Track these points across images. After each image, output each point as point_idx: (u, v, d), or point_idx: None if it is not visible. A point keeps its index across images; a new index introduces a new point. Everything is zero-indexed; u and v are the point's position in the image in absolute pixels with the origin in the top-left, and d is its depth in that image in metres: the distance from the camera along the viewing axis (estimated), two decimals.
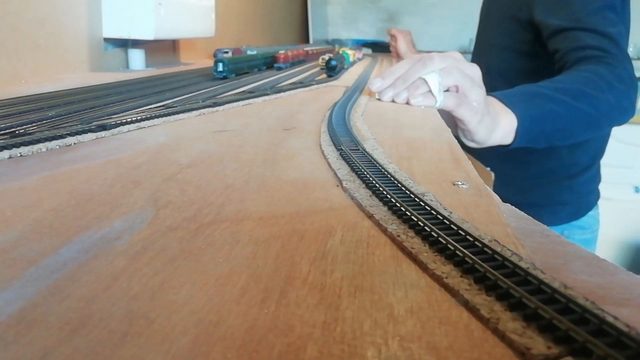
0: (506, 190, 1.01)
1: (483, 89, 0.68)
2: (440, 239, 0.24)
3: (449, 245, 0.23)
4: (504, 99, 0.72)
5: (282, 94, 0.78)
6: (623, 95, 0.79)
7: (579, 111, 0.75)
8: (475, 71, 0.68)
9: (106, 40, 1.04)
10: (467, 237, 0.24)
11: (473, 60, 0.82)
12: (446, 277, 0.21)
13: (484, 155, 1.02)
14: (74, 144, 0.42)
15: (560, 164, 1.01)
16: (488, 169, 0.89)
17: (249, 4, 2.03)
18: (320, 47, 1.93)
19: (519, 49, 1.00)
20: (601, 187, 1.11)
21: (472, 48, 1.27)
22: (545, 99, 0.75)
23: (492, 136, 0.71)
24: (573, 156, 1.01)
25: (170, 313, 0.18)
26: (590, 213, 1.05)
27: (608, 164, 1.10)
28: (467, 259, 0.22)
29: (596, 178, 1.07)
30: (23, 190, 0.30)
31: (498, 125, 0.71)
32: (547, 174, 1.02)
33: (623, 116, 0.81)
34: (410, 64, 0.69)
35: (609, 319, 0.17)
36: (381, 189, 0.31)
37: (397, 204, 0.28)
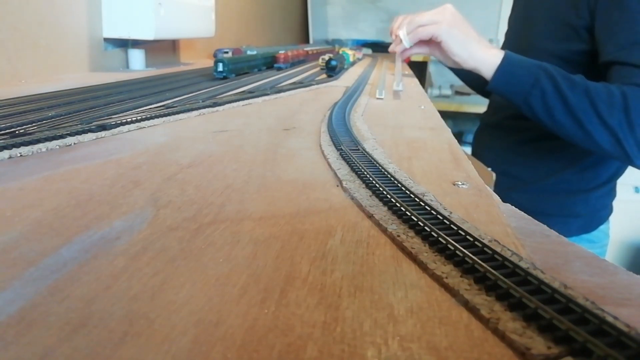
0: (519, 196, 0.98)
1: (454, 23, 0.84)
2: (440, 239, 0.24)
3: (449, 245, 0.23)
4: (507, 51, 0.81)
5: (282, 94, 0.78)
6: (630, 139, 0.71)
7: (568, 105, 0.74)
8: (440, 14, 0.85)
9: (106, 40, 1.04)
10: (467, 237, 0.24)
11: None
12: (446, 277, 0.21)
13: (507, 160, 1.00)
14: (74, 144, 0.42)
15: (580, 177, 0.96)
16: (489, 169, 0.87)
17: (249, 4, 2.03)
18: (320, 47, 1.93)
19: (568, 58, 0.89)
20: None
21: None
22: (545, 71, 0.76)
23: (473, 52, 0.82)
24: (594, 169, 0.96)
25: (170, 313, 0.18)
26: (601, 227, 1.00)
27: None
28: (467, 259, 0.22)
29: (612, 194, 1.02)
30: (23, 190, 0.30)
31: (482, 51, 0.81)
32: (565, 184, 0.96)
33: (619, 152, 0.74)
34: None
35: (609, 319, 0.17)
36: (381, 189, 0.31)
37: (397, 204, 0.28)
